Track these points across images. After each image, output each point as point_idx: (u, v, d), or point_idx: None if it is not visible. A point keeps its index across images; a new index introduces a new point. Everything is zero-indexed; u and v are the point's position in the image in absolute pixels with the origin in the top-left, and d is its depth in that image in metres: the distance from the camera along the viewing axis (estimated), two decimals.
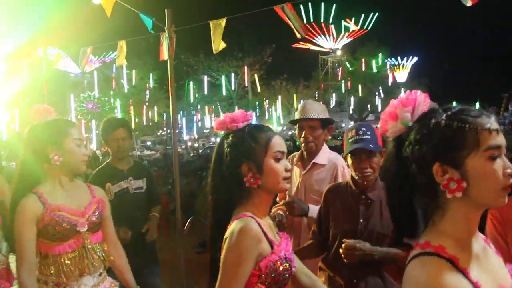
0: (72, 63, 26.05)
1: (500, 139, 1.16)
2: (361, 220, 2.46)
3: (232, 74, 37.25)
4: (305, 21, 45.81)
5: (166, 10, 4.34)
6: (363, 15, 48.55)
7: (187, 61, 34.97)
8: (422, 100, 1.25)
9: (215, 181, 1.76)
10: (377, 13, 47.28)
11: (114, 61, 30.04)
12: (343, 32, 49.81)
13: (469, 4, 3.47)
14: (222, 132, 1.82)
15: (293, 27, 4.02)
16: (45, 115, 2.38)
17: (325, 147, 3.27)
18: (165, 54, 4.36)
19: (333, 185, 2.75)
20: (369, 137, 2.42)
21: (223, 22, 4.25)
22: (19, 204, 2.23)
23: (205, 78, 36.43)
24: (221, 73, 37.12)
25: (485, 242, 1.31)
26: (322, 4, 47.40)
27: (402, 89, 49.90)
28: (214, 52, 4.46)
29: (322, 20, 49.17)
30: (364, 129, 2.46)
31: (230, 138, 1.76)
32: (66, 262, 2.24)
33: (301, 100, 41.76)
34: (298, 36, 4.10)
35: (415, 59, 53.41)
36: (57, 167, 2.29)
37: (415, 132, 1.22)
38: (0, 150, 5.76)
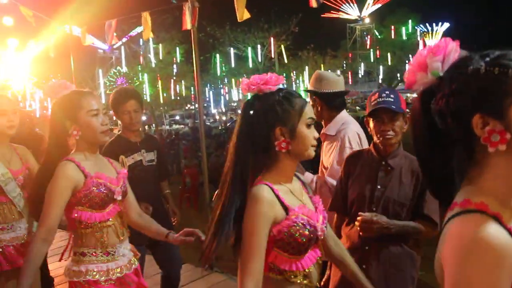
0: (98, 39, 26.31)
1: None
2: (379, 187, 2.42)
3: (259, 46, 36.88)
4: None
5: None
6: None
7: (213, 33, 34.74)
8: (453, 48, 1.13)
9: (241, 142, 1.71)
10: None
11: (140, 35, 30.22)
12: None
13: None
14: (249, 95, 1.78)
15: None
16: (60, 90, 2.35)
17: (340, 118, 3.22)
18: (188, 24, 4.33)
19: (354, 151, 2.72)
20: (392, 99, 2.34)
21: None
22: (59, 169, 2.22)
23: (231, 50, 36.22)
24: (247, 45, 36.79)
25: None
26: None
27: None
28: (238, 21, 4.40)
29: None
30: (387, 92, 2.39)
31: (263, 100, 1.71)
32: (107, 229, 2.29)
33: (329, 70, 41.24)
34: (314, 5, 4.00)
35: (447, 25, 51.67)
36: (80, 141, 2.30)
37: (449, 81, 1.10)
38: (35, 127, 5.89)
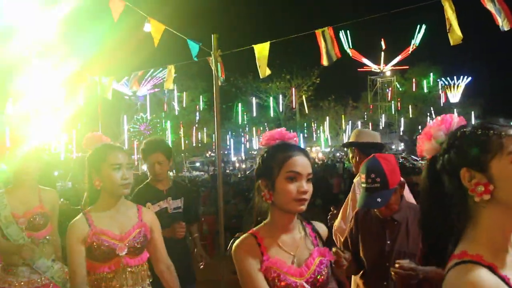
0: (125, 86, 27.19)
1: None
2: (388, 242, 2.47)
3: (280, 96, 37.50)
4: (350, 46, 45.68)
5: (212, 35, 4.53)
6: (415, 31, 46.99)
7: (236, 82, 35.52)
8: (457, 121, 1.31)
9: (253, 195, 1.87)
10: (423, 26, 45.59)
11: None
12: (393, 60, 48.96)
13: (505, 28, 3.42)
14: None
15: (323, 53, 4.09)
16: (96, 142, 2.54)
17: None
18: (219, 78, 4.53)
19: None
20: (378, 184, 2.41)
21: (267, 45, 4.38)
22: (71, 224, 2.40)
23: (254, 99, 36.88)
24: (269, 95, 37.43)
25: None
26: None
27: (455, 110, 48.56)
28: (261, 77, 4.59)
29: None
30: (373, 175, 2.43)
31: (261, 153, 1.85)
32: (105, 281, 2.37)
33: (349, 121, 41.78)
34: (325, 63, 4.16)
35: (469, 79, 51.81)
36: (103, 191, 2.44)
37: (445, 143, 1.28)
38: (57, 169, 6.08)
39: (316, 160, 35.64)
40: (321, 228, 1.98)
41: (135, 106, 33.70)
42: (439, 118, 1.35)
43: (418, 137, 1.40)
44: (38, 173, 3.43)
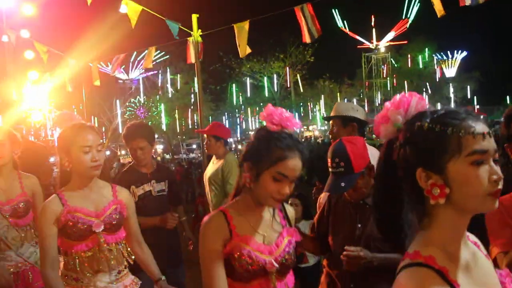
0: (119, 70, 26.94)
1: (487, 144, 1.10)
2: (359, 225, 2.45)
3: (275, 75, 37.32)
4: (344, 24, 45.31)
5: (192, 15, 4.49)
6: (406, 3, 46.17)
7: (229, 63, 35.32)
8: (415, 102, 1.22)
9: None
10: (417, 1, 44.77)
11: (158, 66, 30.87)
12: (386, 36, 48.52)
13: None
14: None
15: (304, 30, 4.04)
16: (66, 121, 2.49)
17: None
18: (192, 58, 4.49)
19: None
20: (342, 169, 2.37)
21: (246, 25, 4.32)
22: (43, 204, 2.39)
23: (248, 80, 36.71)
24: (263, 75, 37.25)
25: (475, 246, 1.28)
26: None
27: (451, 84, 48.39)
28: (240, 56, 4.56)
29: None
30: (337, 160, 2.40)
31: (259, 134, 1.80)
32: (83, 259, 2.36)
33: (345, 99, 41.56)
34: (307, 40, 4.12)
35: (465, 53, 51.53)
36: (73, 173, 2.41)
37: (401, 135, 1.20)
38: (50, 157, 6.02)
39: (313, 138, 35.69)
40: (289, 209, 1.99)
41: (129, 90, 33.52)
42: (397, 98, 1.25)
43: (374, 119, 1.31)
44: (13, 156, 3.38)
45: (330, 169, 2.45)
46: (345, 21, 46.11)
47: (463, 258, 1.16)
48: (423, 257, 1.11)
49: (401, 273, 1.13)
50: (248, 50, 4.38)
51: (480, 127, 1.11)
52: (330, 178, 2.46)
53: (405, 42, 46.50)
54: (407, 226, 1.23)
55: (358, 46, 48.42)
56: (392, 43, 48.06)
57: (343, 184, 2.36)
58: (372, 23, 47.66)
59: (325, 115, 42.31)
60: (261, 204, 1.81)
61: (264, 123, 1.78)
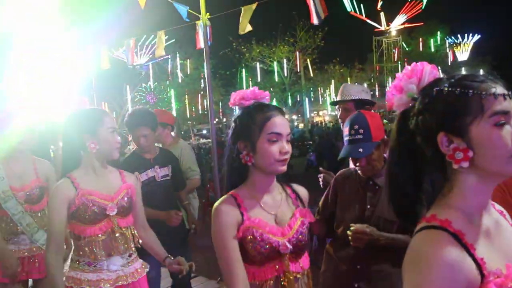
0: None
1: (508, 105, 1.09)
2: (368, 207, 2.45)
3: (285, 60, 37.00)
4: (355, 8, 44.56)
5: None
6: None
7: (239, 48, 35.08)
8: (428, 71, 1.21)
9: (225, 156, 1.86)
10: None
11: (169, 52, 30.76)
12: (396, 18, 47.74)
13: None
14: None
15: (312, 11, 4.03)
16: (78, 105, 2.55)
17: None
18: (201, 42, 4.49)
19: (343, 171, 2.74)
20: (361, 136, 2.39)
21: (253, 6, 4.32)
22: (54, 187, 2.43)
23: (258, 65, 36.45)
24: (273, 60, 36.96)
25: (501, 215, 1.26)
26: None
27: (463, 68, 47.67)
28: (239, 33, 4.49)
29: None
30: (356, 126, 2.42)
31: (236, 115, 1.82)
32: (97, 243, 2.40)
33: (356, 84, 40.80)
34: (315, 21, 4.10)
35: (478, 36, 50.63)
36: (92, 154, 2.45)
37: (418, 102, 1.19)
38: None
39: (324, 123, 35.48)
40: (301, 190, 1.99)
41: (139, 75, 33.50)
42: (408, 68, 1.25)
43: (387, 91, 1.30)
44: (33, 143, 3.45)
45: (347, 138, 2.45)
46: (355, 4, 45.42)
47: (484, 224, 1.15)
48: (439, 220, 1.11)
49: (416, 236, 1.13)
50: (249, 28, 4.37)
51: (500, 89, 1.10)
52: (346, 146, 2.46)
53: (421, 23, 45.74)
54: (421, 200, 1.22)
55: (377, 29, 47.50)
56: (407, 25, 47.28)
57: (361, 150, 2.37)
58: (378, 7, 46.87)
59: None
60: (270, 178, 1.82)
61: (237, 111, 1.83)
